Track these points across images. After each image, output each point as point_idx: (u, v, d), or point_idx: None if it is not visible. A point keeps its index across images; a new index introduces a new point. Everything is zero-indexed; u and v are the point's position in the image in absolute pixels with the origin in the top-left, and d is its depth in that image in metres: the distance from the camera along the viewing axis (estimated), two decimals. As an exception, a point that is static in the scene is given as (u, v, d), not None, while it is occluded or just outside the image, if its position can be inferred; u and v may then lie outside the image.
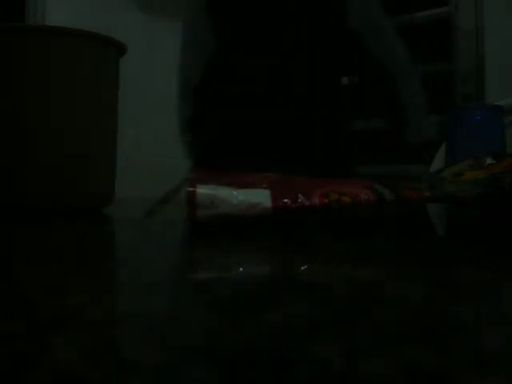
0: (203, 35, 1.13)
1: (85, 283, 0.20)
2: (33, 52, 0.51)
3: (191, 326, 0.15)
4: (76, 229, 0.41)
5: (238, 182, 0.38)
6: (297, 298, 0.18)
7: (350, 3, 1.13)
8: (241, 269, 0.24)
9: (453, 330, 0.14)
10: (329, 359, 0.12)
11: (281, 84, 1.10)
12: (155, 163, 2.14)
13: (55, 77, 0.51)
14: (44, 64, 0.51)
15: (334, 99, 1.15)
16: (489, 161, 0.47)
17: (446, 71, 1.98)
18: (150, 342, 0.13)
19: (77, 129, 0.52)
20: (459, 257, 0.28)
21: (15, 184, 0.50)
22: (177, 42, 1.18)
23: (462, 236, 0.39)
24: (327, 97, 1.14)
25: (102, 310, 0.16)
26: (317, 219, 0.42)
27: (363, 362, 0.12)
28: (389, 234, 0.39)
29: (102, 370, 0.11)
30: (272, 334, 0.14)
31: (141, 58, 2.02)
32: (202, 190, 0.36)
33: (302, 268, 0.24)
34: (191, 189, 0.35)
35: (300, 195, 0.37)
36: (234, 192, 0.36)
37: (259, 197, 0.36)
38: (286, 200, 0.36)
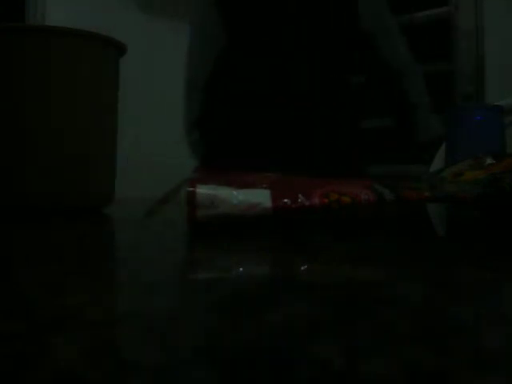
0: (213, 30, 1.13)
1: (85, 283, 0.20)
2: (33, 52, 0.51)
3: (191, 326, 0.15)
4: (76, 229, 0.41)
5: (238, 181, 0.37)
6: (297, 298, 0.18)
7: (362, 4, 1.13)
8: (241, 269, 0.24)
9: (453, 330, 0.14)
10: (329, 359, 0.12)
11: (281, 84, 1.10)
12: (155, 163, 2.14)
13: (55, 77, 0.51)
14: (44, 64, 0.51)
15: (334, 99, 1.15)
16: (489, 161, 0.47)
17: (445, 71, 1.98)
18: (149, 342, 0.13)
19: (77, 129, 0.52)
20: (459, 257, 0.28)
21: (15, 184, 0.50)
22: (177, 41, 1.18)
23: (462, 236, 0.39)
24: (327, 97, 1.14)
25: (101, 310, 0.16)
26: (317, 219, 0.42)
27: (363, 362, 0.12)
28: (389, 234, 0.39)
29: (102, 369, 0.11)
30: (272, 334, 0.14)
31: (141, 58, 2.02)
32: (202, 190, 0.36)
33: (302, 268, 0.24)
34: (191, 189, 0.35)
35: (300, 195, 0.37)
36: (234, 192, 0.36)
37: (259, 197, 0.36)
38: (285, 200, 0.36)
